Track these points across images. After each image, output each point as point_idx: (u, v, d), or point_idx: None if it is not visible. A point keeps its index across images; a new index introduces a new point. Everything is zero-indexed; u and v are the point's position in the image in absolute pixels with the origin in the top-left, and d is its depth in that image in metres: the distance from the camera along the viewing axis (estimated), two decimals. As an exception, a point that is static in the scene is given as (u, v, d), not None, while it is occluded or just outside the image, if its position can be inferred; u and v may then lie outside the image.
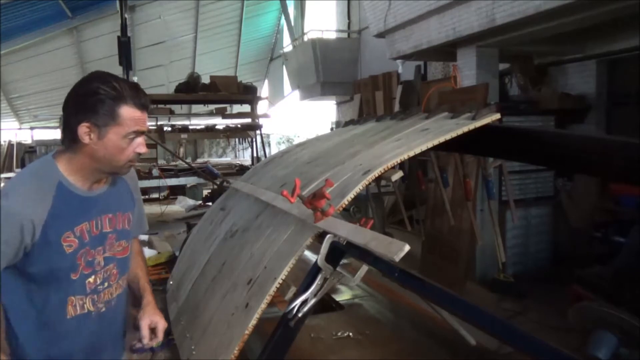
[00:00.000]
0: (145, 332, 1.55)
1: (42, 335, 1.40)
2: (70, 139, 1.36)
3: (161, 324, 1.59)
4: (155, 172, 8.67)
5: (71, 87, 1.38)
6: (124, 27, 10.11)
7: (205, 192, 10.56)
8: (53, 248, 1.33)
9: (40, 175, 1.37)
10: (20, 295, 1.38)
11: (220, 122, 10.13)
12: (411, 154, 1.63)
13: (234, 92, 9.48)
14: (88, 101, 1.31)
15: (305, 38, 11.60)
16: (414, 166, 4.90)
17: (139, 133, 1.38)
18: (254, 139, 9.86)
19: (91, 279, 1.43)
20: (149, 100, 1.41)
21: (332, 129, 10.66)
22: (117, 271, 1.52)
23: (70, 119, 1.34)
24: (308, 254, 2.64)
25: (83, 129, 1.31)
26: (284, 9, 14.57)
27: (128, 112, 1.33)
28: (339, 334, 2.32)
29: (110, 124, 1.32)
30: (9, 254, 1.30)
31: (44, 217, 1.31)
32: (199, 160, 15.65)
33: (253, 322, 1.50)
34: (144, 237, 3.98)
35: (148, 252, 3.35)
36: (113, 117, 1.32)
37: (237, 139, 11.12)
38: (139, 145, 1.39)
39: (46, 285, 1.37)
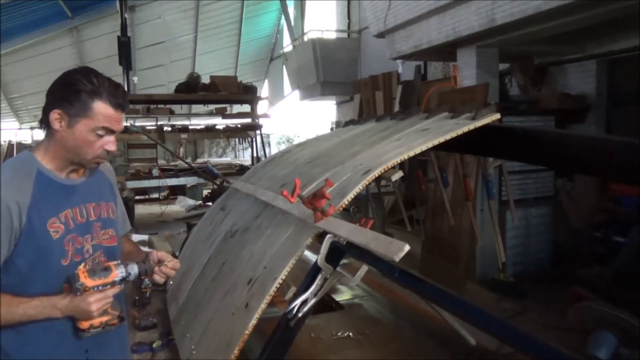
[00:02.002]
0: (154, 258, 1.48)
1: (41, 326, 1.38)
2: (45, 125, 1.40)
3: (172, 263, 1.51)
4: (155, 172, 8.66)
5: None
6: (124, 27, 10.12)
7: (205, 192, 10.56)
8: (39, 234, 1.35)
9: (19, 165, 1.41)
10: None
11: (220, 122, 10.13)
12: (411, 154, 1.64)
13: (234, 92, 9.48)
14: (65, 90, 1.36)
15: (305, 38, 11.60)
16: (414, 166, 4.91)
17: (108, 130, 1.40)
18: (254, 139, 9.86)
19: (82, 267, 1.42)
20: (127, 103, 1.44)
21: (332, 129, 10.65)
22: (106, 259, 1.51)
23: (47, 106, 1.39)
24: (308, 254, 2.64)
25: (54, 115, 1.36)
26: (284, 9, 14.57)
27: (101, 107, 1.36)
28: (339, 334, 2.32)
29: (81, 115, 1.36)
30: (5, 242, 1.31)
31: (27, 201, 1.33)
32: (199, 160, 15.66)
33: (253, 322, 1.50)
34: (144, 237, 3.99)
35: (148, 252, 3.34)
36: (85, 110, 1.35)
37: (237, 139, 11.11)
38: (108, 142, 1.41)
39: (38, 278, 1.36)
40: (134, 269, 1.40)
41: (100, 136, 1.39)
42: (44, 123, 1.40)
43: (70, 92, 1.35)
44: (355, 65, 10.95)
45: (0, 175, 1.36)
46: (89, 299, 1.32)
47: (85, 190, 1.49)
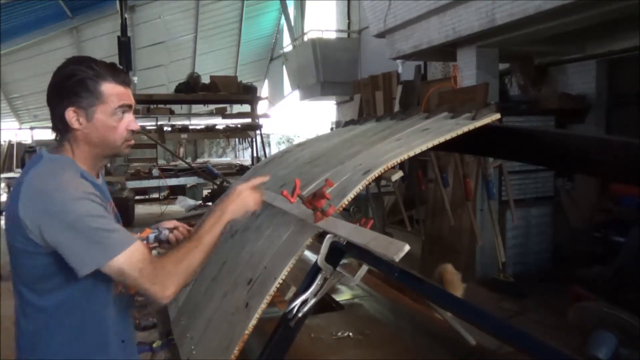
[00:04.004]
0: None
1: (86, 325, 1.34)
2: (62, 130, 1.35)
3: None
4: (155, 172, 8.66)
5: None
6: (124, 27, 10.12)
7: (205, 192, 10.56)
8: None
9: (68, 168, 1.32)
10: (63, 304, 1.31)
11: (220, 122, 10.14)
12: (411, 154, 1.63)
13: (234, 92, 9.50)
14: (68, 85, 1.31)
15: (305, 38, 11.60)
16: (414, 166, 4.91)
17: (126, 107, 1.35)
18: (254, 139, 9.87)
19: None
20: (129, 78, 1.40)
21: (332, 129, 10.65)
22: None
23: (56, 109, 1.33)
24: (308, 254, 2.64)
25: (70, 114, 1.30)
26: (284, 9, 14.57)
27: (110, 88, 1.32)
28: (339, 334, 2.32)
29: (95, 103, 1.31)
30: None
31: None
32: (199, 160, 15.65)
33: (253, 322, 1.50)
34: (144, 237, 3.97)
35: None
36: (96, 96, 1.31)
37: (237, 139, 11.13)
38: (130, 122, 1.37)
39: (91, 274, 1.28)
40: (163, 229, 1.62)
41: (120, 118, 1.34)
42: (60, 127, 1.34)
43: (74, 84, 1.30)
44: (355, 65, 10.95)
45: (60, 177, 1.26)
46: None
47: (105, 190, 1.49)
